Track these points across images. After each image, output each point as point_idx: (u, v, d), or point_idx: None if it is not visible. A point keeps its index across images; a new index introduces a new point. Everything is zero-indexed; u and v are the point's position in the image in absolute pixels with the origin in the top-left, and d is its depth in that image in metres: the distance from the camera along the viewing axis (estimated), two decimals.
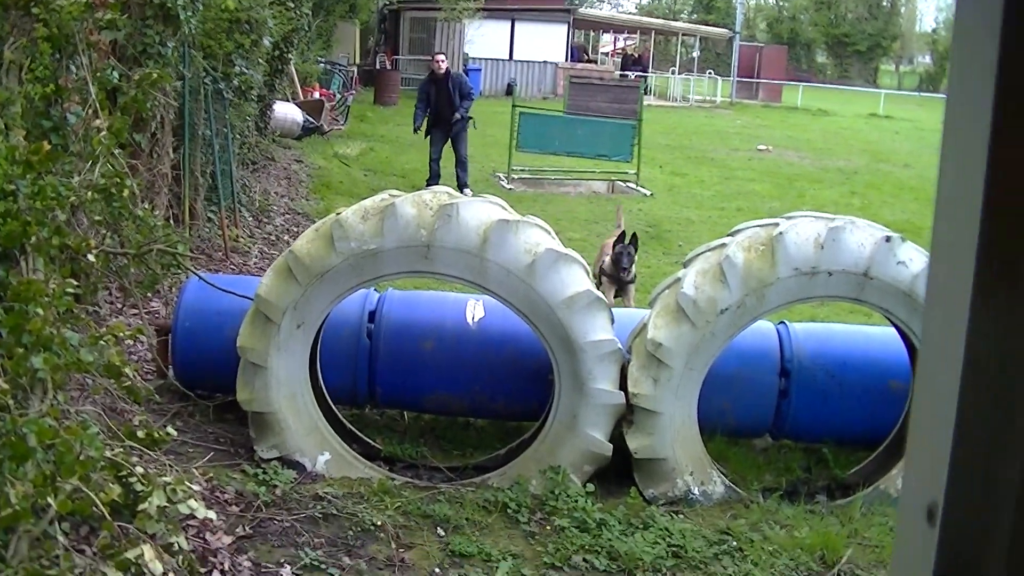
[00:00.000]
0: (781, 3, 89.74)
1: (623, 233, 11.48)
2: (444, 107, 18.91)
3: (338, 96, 30.17)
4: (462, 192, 8.67)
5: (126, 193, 6.95)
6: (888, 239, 7.07)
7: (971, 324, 0.92)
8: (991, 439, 0.94)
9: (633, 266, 11.27)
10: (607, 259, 11.34)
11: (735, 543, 6.72)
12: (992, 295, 0.92)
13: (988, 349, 0.92)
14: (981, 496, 0.95)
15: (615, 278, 11.22)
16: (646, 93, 34.05)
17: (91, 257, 6.63)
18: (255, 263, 12.47)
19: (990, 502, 0.95)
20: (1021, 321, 0.92)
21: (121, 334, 6.07)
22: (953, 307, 0.94)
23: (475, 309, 7.90)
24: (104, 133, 6.85)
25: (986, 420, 0.94)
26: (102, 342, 5.67)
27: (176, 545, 5.16)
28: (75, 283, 6.09)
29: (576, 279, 7.09)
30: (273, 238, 14.23)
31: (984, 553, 0.95)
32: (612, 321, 7.25)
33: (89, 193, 6.73)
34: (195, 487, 5.85)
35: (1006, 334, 0.92)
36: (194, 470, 6.64)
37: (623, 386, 7.17)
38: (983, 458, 0.94)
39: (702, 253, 7.42)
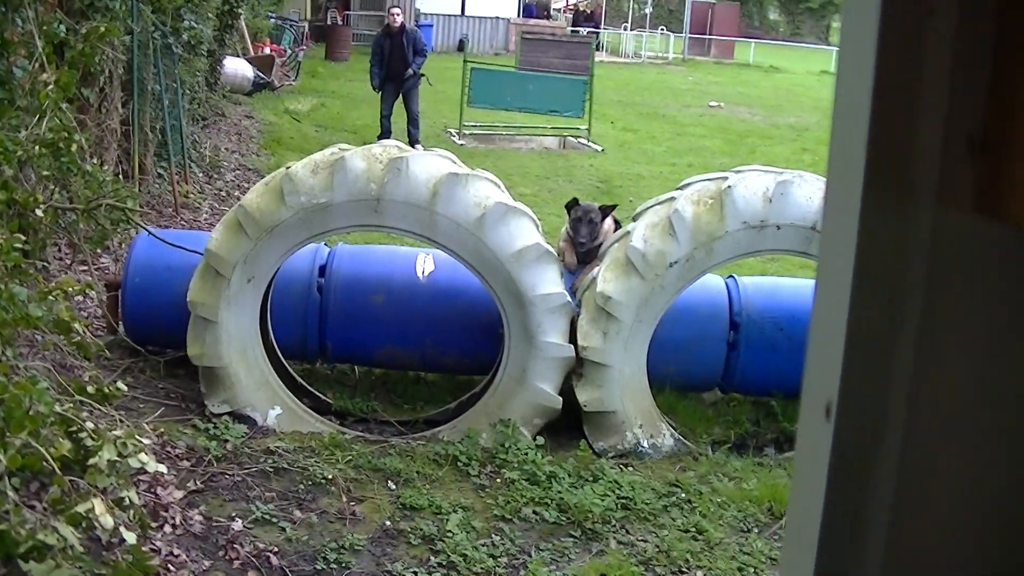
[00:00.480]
0: None
1: (575, 199, 8.87)
2: (397, 62, 18.66)
3: (289, 52, 29.96)
4: (414, 149, 8.56)
5: (74, 148, 6.89)
6: None
7: (861, 227, 0.96)
8: (882, 339, 0.99)
9: (594, 239, 8.37)
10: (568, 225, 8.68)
11: (684, 495, 6.80)
12: (880, 202, 0.96)
13: (877, 252, 0.97)
14: (873, 393, 1.00)
15: (572, 244, 8.54)
16: (598, 49, 33.97)
17: (39, 212, 6.59)
18: (205, 219, 12.41)
19: (881, 399, 0.99)
20: (907, 224, 0.97)
21: (70, 289, 6.06)
22: (846, 213, 0.98)
23: (425, 263, 7.91)
24: (51, 87, 6.78)
25: (877, 321, 0.98)
26: (51, 297, 5.66)
27: (127, 499, 5.16)
28: (23, 238, 6.05)
29: (525, 232, 7.11)
30: (224, 194, 14.17)
31: (876, 444, 1.00)
32: (562, 275, 7.29)
33: (37, 148, 6.67)
34: (146, 441, 5.85)
35: (894, 237, 0.97)
36: (145, 425, 6.64)
37: (573, 339, 7.22)
38: (874, 357, 0.99)
39: (652, 207, 7.44)
